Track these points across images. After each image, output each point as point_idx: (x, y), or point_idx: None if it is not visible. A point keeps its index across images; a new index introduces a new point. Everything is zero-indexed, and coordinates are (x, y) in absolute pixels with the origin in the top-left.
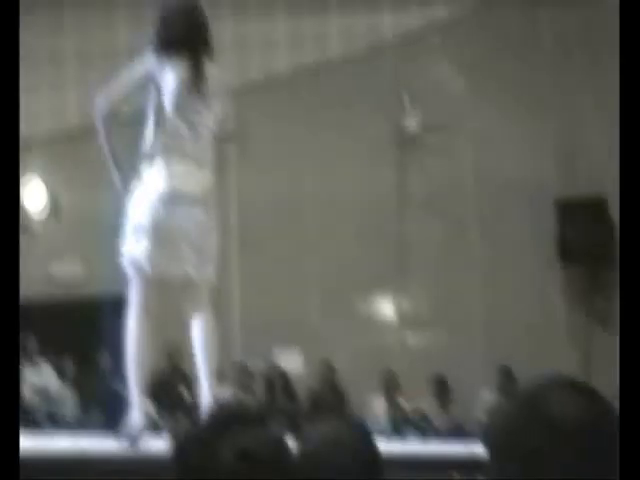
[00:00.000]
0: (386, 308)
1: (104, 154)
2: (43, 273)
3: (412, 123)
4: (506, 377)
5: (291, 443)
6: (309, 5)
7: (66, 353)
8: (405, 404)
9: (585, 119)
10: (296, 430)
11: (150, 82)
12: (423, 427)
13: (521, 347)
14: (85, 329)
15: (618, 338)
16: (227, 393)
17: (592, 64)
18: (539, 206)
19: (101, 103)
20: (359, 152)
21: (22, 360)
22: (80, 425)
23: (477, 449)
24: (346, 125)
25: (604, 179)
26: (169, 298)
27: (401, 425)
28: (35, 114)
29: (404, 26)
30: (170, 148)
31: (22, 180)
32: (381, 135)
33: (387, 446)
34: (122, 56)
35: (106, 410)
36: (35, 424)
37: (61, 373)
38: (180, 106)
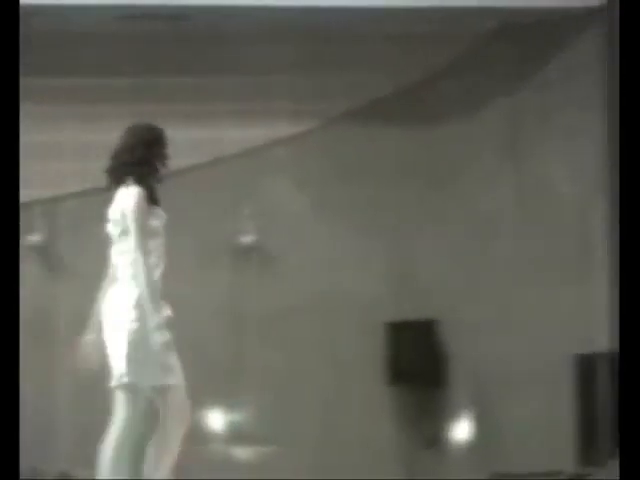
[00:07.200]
0: (218, 421)
1: None
2: None
3: (249, 237)
4: None
5: None
6: (155, 116)
7: None
8: None
9: (419, 243)
10: None
11: None
12: None
13: (349, 469)
14: None
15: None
16: None
17: (428, 186)
18: (371, 328)
19: None
20: (195, 263)
21: None
22: None
23: None
24: (184, 235)
25: (435, 302)
26: None
27: None
28: None
29: (247, 140)
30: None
31: None
32: (217, 248)
33: None
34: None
35: None
36: None
37: None
38: None
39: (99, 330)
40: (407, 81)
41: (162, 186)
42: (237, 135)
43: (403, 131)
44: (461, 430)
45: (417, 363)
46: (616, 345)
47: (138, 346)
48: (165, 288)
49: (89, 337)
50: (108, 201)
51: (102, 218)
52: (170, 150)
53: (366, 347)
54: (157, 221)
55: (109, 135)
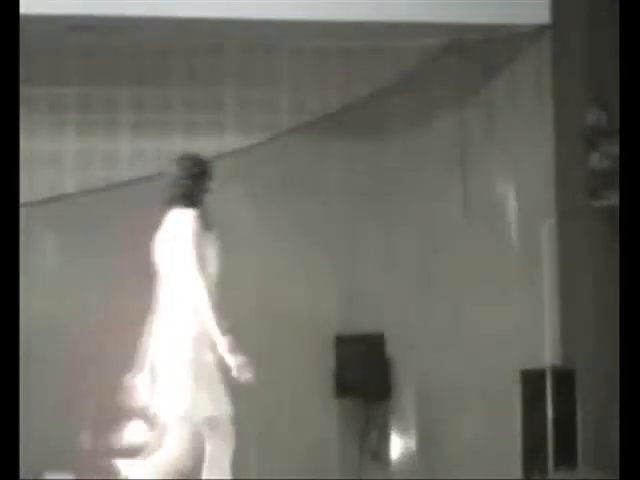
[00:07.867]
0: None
1: None
2: None
3: None
4: None
5: None
6: (100, 126)
7: None
8: None
9: (367, 256)
10: None
11: None
12: None
13: None
14: None
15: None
16: None
17: (377, 200)
18: (319, 340)
19: None
20: (144, 277)
21: None
22: None
23: None
24: (132, 249)
25: (383, 315)
26: None
27: None
28: None
29: (195, 152)
30: None
31: None
32: None
33: None
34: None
35: None
36: None
37: None
38: None
39: (149, 369)
40: (356, 95)
41: (108, 199)
42: (185, 147)
43: (351, 145)
44: (408, 443)
45: (365, 376)
46: (563, 361)
47: (196, 378)
48: (116, 305)
49: (141, 376)
50: None
51: None
52: (117, 161)
53: (314, 360)
54: (211, 249)
55: (55, 144)
